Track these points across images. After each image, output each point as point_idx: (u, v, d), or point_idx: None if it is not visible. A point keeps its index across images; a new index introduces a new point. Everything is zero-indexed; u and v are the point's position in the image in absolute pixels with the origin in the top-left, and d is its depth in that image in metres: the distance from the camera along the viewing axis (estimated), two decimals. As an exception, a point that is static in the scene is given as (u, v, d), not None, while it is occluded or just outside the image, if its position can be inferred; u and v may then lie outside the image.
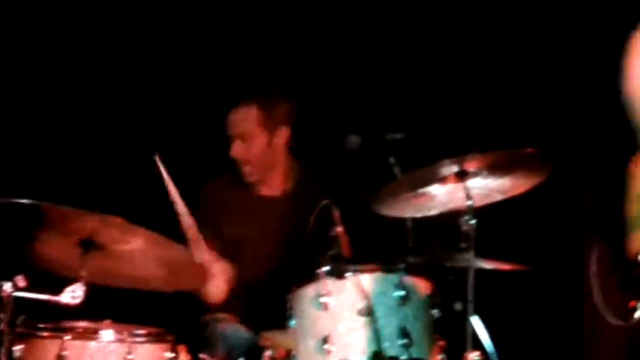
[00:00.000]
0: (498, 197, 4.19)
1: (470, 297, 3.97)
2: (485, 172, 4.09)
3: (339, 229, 3.97)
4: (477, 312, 3.99)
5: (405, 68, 5.39)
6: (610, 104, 3.03)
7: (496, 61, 5.29)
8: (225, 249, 4.67)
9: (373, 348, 3.76)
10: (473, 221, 4.02)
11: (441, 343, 3.93)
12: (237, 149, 4.69)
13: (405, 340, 3.78)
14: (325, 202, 3.99)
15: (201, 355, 4.02)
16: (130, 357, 3.74)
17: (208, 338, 4.48)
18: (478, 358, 3.94)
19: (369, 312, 3.78)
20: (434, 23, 5.39)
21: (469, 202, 4.03)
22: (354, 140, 4.30)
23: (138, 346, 3.80)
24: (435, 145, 4.40)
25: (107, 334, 3.79)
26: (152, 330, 3.90)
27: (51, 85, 5.39)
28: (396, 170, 4.23)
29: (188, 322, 4.46)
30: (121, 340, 3.78)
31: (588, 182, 4.50)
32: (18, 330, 3.74)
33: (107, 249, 3.82)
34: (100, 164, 5.43)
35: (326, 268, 3.86)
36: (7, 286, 3.61)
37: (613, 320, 2.99)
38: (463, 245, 4.03)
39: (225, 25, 5.53)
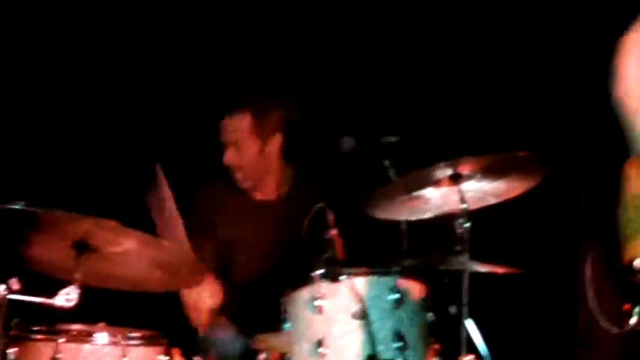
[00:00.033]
0: (492, 200, 4.19)
1: (464, 300, 3.98)
2: (479, 175, 4.09)
3: (334, 232, 3.96)
4: (471, 315, 4.00)
5: (400, 71, 5.40)
6: (603, 105, 3.03)
7: (490, 64, 5.29)
8: (220, 254, 4.68)
9: (368, 351, 3.76)
10: (467, 224, 4.03)
11: (436, 346, 3.93)
12: (229, 156, 4.68)
13: (399, 344, 3.78)
14: (319, 205, 3.99)
15: (195, 358, 4.02)
16: None
17: (202, 342, 4.47)
18: (472, 361, 3.98)
19: (363, 315, 3.78)
20: (429, 27, 5.39)
21: (463, 205, 4.04)
22: (348, 142, 4.29)
23: (132, 348, 3.79)
24: (430, 148, 4.40)
25: (101, 337, 3.79)
26: (146, 333, 3.90)
27: (43, 89, 5.39)
28: (391, 173, 4.21)
29: (182, 325, 4.45)
30: (115, 343, 3.78)
31: (582, 184, 4.50)
32: (12, 333, 3.73)
33: (101, 251, 3.81)
34: (93, 167, 5.43)
35: (320, 271, 3.85)
36: (1, 289, 3.58)
37: (608, 326, 2.99)
38: (457, 248, 4.03)
39: (219, 29, 5.53)
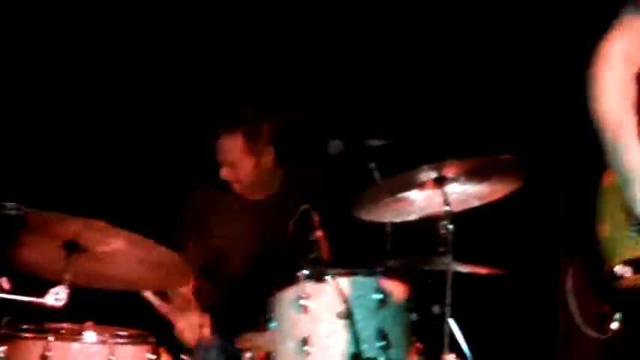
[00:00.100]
0: (476, 203, 4.22)
1: (447, 300, 4.00)
2: (463, 178, 4.11)
3: (319, 233, 3.98)
4: (454, 315, 4.02)
5: (385, 76, 5.40)
6: (585, 110, 3.03)
7: (474, 69, 5.30)
8: (211, 254, 4.70)
9: (352, 350, 3.76)
10: (451, 226, 4.05)
11: (419, 345, 3.93)
12: (226, 173, 4.69)
13: (383, 343, 3.78)
14: (305, 206, 4.01)
15: (182, 357, 4.03)
16: (111, 358, 3.73)
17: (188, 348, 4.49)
18: (455, 360, 3.99)
19: (347, 315, 3.78)
20: (414, 33, 5.39)
21: (447, 208, 4.06)
22: (335, 145, 4.30)
23: (120, 347, 3.79)
24: (414, 151, 4.38)
25: (90, 336, 3.78)
26: (134, 332, 3.90)
27: (33, 89, 5.36)
28: (376, 175, 4.23)
29: (169, 325, 4.45)
30: (103, 342, 3.77)
31: (563, 188, 4.52)
32: (2, 331, 3.73)
33: (91, 251, 3.82)
34: (83, 168, 5.41)
35: (306, 272, 3.86)
36: (-8, 288, 3.60)
37: (590, 332, 2.99)
38: (441, 249, 4.05)
39: (210, 31, 5.53)
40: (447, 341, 3.97)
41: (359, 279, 3.89)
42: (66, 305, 3.63)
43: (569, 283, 2.98)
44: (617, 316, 2.80)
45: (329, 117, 5.25)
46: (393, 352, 3.80)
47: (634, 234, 2.75)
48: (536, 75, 5.09)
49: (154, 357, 3.85)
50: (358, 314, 3.80)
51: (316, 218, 3.99)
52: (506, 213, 4.53)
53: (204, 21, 5.52)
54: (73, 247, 3.78)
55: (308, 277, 3.85)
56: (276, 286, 3.92)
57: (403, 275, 3.98)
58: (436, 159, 4.03)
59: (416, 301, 3.97)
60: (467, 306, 4.04)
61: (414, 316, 3.93)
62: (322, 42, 5.48)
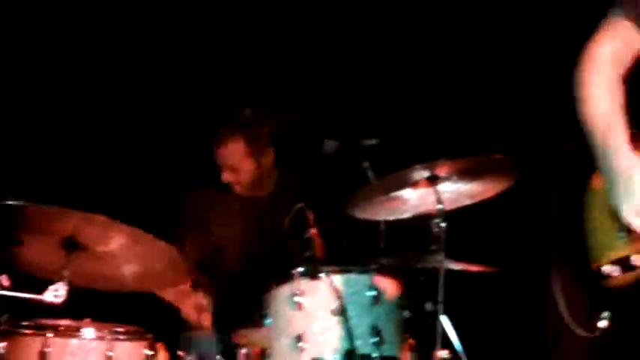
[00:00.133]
0: (468, 201, 4.25)
1: (440, 297, 4.04)
2: (455, 177, 4.15)
3: (314, 231, 4.00)
4: (446, 312, 4.05)
5: (379, 77, 5.40)
6: (576, 112, 3.03)
7: (465, 71, 5.30)
8: (210, 251, 4.72)
9: (346, 346, 3.77)
10: (443, 224, 4.09)
11: (412, 341, 3.95)
12: (227, 177, 4.71)
13: (376, 339, 3.80)
14: (300, 205, 4.02)
15: (179, 353, 4.03)
16: (109, 354, 3.75)
17: (187, 337, 4.52)
18: (447, 356, 4.00)
19: (341, 311, 3.80)
20: (408, 35, 5.39)
21: (440, 206, 4.10)
22: (330, 145, 4.33)
23: (117, 343, 3.80)
24: (408, 150, 4.42)
25: (88, 332, 3.79)
26: (131, 328, 3.90)
27: (29, 83, 5.34)
28: (370, 174, 4.26)
29: (166, 321, 4.48)
30: (101, 338, 3.78)
31: (554, 188, 4.53)
32: (1, 328, 3.74)
33: (90, 249, 3.83)
34: (82, 163, 5.39)
35: (300, 269, 3.88)
36: (-8, 286, 3.62)
37: (579, 331, 3.00)
38: (434, 247, 4.09)
39: (204, 30, 5.52)
40: (439, 338, 4.01)
41: (353, 276, 3.90)
42: (65, 302, 3.64)
43: (557, 283, 2.99)
44: (606, 314, 2.78)
45: (324, 117, 5.25)
46: (386, 348, 3.82)
47: (622, 234, 2.76)
48: (527, 76, 5.09)
49: (151, 353, 3.86)
50: (352, 311, 3.81)
51: (311, 216, 4.01)
52: (498, 211, 4.56)
53: (198, 23, 5.51)
54: (72, 245, 3.78)
55: (303, 275, 3.87)
56: (271, 282, 3.94)
57: (396, 272, 4.00)
58: (429, 158, 4.05)
59: (409, 299, 3.98)
60: (459, 303, 4.07)
61: (407, 313, 3.94)
62: (317, 44, 5.48)
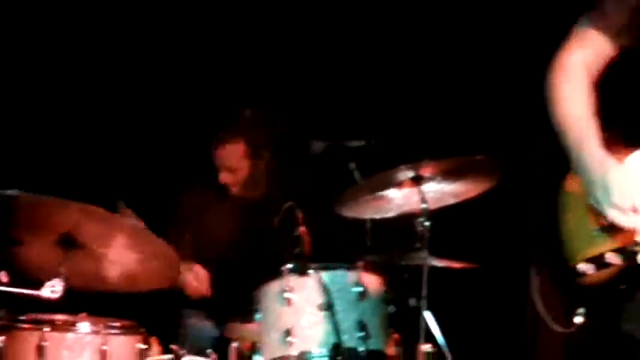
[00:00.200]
0: (451, 200, 4.29)
1: (423, 293, 4.07)
2: (439, 177, 4.19)
3: (302, 229, 4.04)
4: (429, 307, 4.09)
5: (364, 80, 5.40)
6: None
7: (450, 74, 5.30)
8: (201, 248, 4.74)
9: (333, 340, 3.81)
10: (427, 223, 4.13)
11: (396, 336, 3.98)
12: (224, 178, 4.72)
13: (362, 333, 3.84)
14: (289, 203, 4.06)
15: (172, 346, 4.03)
16: (104, 348, 3.77)
17: (179, 330, 4.54)
18: (430, 350, 4.05)
19: (329, 307, 3.84)
20: (392, 38, 5.39)
21: (424, 205, 4.14)
22: (317, 146, 4.36)
23: (112, 337, 3.82)
24: (393, 151, 4.40)
25: (84, 326, 3.81)
26: (125, 322, 3.93)
27: (28, 82, 5.32)
28: (356, 175, 4.30)
29: (161, 315, 4.46)
30: (96, 332, 3.80)
31: (534, 188, 4.54)
32: (0, 323, 3.76)
33: (88, 247, 3.85)
34: (81, 162, 5.38)
35: (289, 266, 3.91)
36: (-10, 281, 3.64)
37: (555, 327, 3.02)
38: (418, 245, 4.13)
39: (196, 31, 5.53)
40: (422, 332, 4.04)
41: (340, 273, 3.93)
42: (61, 297, 3.66)
43: (535, 280, 3.02)
44: (581, 311, 2.80)
45: (311, 119, 5.24)
46: (371, 342, 3.85)
47: (596, 233, 2.78)
48: (508, 78, 5.06)
49: (144, 347, 3.88)
50: (339, 306, 3.85)
51: (300, 215, 4.04)
52: (480, 211, 4.58)
53: (191, 25, 5.51)
54: (69, 243, 3.81)
55: (292, 271, 3.90)
56: (260, 280, 3.97)
57: (381, 269, 4.02)
58: (413, 159, 4.09)
59: (393, 294, 4.01)
60: (442, 299, 4.11)
61: (391, 308, 3.98)
62: (305, 47, 5.47)
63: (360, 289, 3.90)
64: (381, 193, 4.23)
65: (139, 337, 3.89)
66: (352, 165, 4.31)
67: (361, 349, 3.83)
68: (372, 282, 3.96)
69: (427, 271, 4.08)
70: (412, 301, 4.10)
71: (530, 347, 4.83)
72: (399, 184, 4.19)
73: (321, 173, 4.60)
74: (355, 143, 4.36)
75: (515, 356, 5.01)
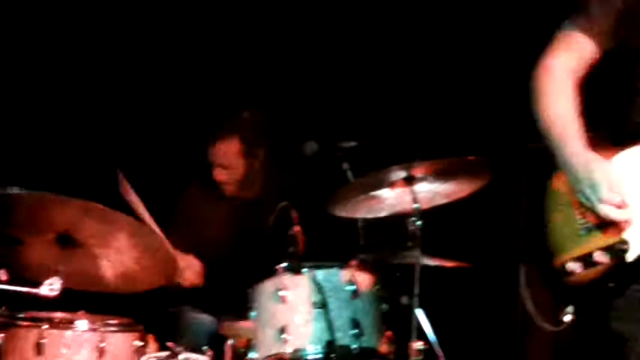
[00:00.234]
0: (443, 200, 4.30)
1: (415, 291, 4.09)
2: (431, 178, 4.20)
3: (297, 228, 4.03)
4: (421, 305, 4.11)
5: (357, 82, 5.42)
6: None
7: (440, 75, 5.32)
8: (197, 245, 4.74)
9: (326, 337, 3.83)
10: (419, 222, 4.14)
11: (389, 333, 3.99)
12: (219, 175, 4.73)
13: (355, 331, 3.85)
14: (283, 203, 4.07)
15: (168, 344, 4.04)
16: (102, 345, 3.81)
17: (175, 328, 4.55)
18: (422, 347, 4.06)
19: (322, 305, 3.85)
20: (383, 41, 5.40)
21: (416, 205, 4.15)
22: (311, 147, 4.38)
23: (110, 334, 3.86)
24: (385, 152, 4.46)
25: (82, 324, 3.85)
26: (123, 320, 3.96)
27: (26, 81, 5.33)
28: (349, 175, 4.32)
29: (157, 312, 4.50)
30: (94, 330, 3.84)
31: (523, 188, 4.54)
32: (-1, 320, 3.79)
33: (86, 246, 3.87)
34: (79, 161, 5.39)
35: (284, 265, 3.93)
36: (-10, 279, 3.65)
37: (545, 326, 3.02)
38: (410, 244, 4.14)
39: (189, 33, 5.54)
40: (414, 330, 4.06)
41: (333, 271, 3.95)
42: (59, 295, 3.67)
43: (523, 280, 3.02)
44: (569, 309, 2.81)
45: (304, 120, 5.26)
46: (365, 339, 3.87)
47: (584, 232, 2.80)
48: (498, 80, 5.06)
49: (141, 344, 3.92)
50: (332, 304, 3.86)
51: (294, 215, 4.05)
52: (472, 210, 4.59)
53: (184, 26, 5.53)
54: (67, 242, 3.83)
55: (286, 270, 3.92)
56: (257, 277, 3.98)
57: (374, 268, 4.03)
58: (406, 160, 4.11)
59: (386, 293, 4.03)
60: (434, 297, 4.13)
61: (384, 307, 3.99)
62: (297, 50, 5.48)
63: (354, 287, 3.92)
64: (373, 193, 4.25)
65: (136, 335, 3.93)
66: (345, 165, 4.32)
67: (354, 346, 3.84)
68: (365, 280, 3.97)
69: (419, 270, 4.10)
70: (404, 300, 4.12)
71: (519, 345, 4.84)
72: (391, 185, 4.21)
73: (314, 174, 4.60)
74: (348, 144, 4.37)
75: (505, 353, 5.03)
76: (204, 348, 4.05)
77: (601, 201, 2.73)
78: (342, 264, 3.99)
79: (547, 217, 2.90)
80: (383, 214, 4.32)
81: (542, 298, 2.98)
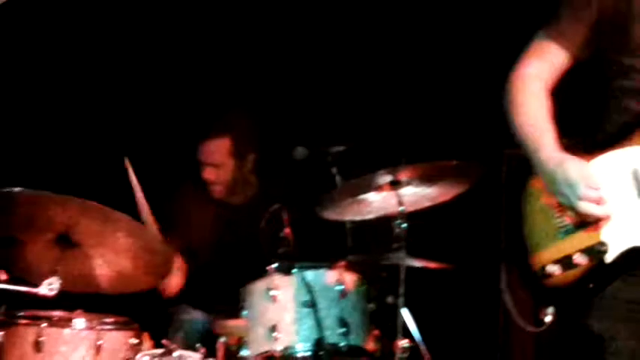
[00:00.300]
0: (427, 203, 4.34)
1: (401, 291, 4.14)
2: (416, 182, 4.25)
3: (287, 230, 4.09)
4: (407, 305, 4.15)
5: (345, 88, 5.42)
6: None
7: (427, 81, 5.32)
8: (189, 246, 4.78)
9: (316, 336, 3.88)
10: (404, 225, 4.19)
11: (375, 331, 4.04)
12: (209, 175, 4.73)
13: (343, 329, 3.91)
14: (275, 206, 4.11)
15: (163, 341, 4.08)
16: (99, 343, 3.85)
17: (170, 326, 4.57)
18: (407, 345, 4.10)
19: (312, 304, 3.91)
20: (370, 49, 5.41)
21: (401, 208, 4.20)
22: (300, 152, 4.41)
23: (106, 333, 3.90)
24: (372, 157, 4.49)
25: (79, 323, 3.89)
26: (119, 319, 4.00)
27: (25, 80, 5.31)
28: (338, 179, 4.37)
29: (152, 311, 4.48)
30: (91, 328, 3.88)
31: (504, 191, 4.57)
32: (-1, 319, 3.82)
33: (84, 247, 3.91)
34: (78, 160, 5.38)
35: (275, 265, 3.99)
36: (-10, 279, 3.68)
37: (526, 327, 3.05)
38: (395, 246, 4.19)
39: (182, 37, 5.53)
40: (400, 328, 4.10)
41: (322, 272, 4.00)
42: (57, 295, 3.71)
43: (504, 282, 3.05)
44: (550, 310, 2.82)
45: (294, 125, 5.27)
46: (352, 337, 3.92)
47: (562, 233, 2.83)
48: (480, 86, 5.08)
49: (137, 341, 3.96)
50: (321, 304, 3.92)
51: (285, 217, 4.10)
52: (455, 213, 4.62)
53: (176, 28, 5.52)
54: (66, 242, 3.86)
55: (277, 271, 3.98)
56: (248, 277, 4.02)
57: (360, 268, 4.08)
58: (392, 164, 4.15)
59: (373, 292, 4.07)
60: (418, 297, 4.18)
61: (371, 306, 4.04)
62: (285, 55, 5.48)
63: (342, 287, 3.97)
64: (360, 196, 4.29)
65: (131, 333, 3.97)
66: (334, 170, 4.36)
67: (342, 344, 3.89)
68: (353, 281, 4.03)
69: (404, 271, 4.14)
70: (390, 299, 4.16)
71: (501, 344, 4.86)
72: (378, 188, 4.25)
73: (303, 178, 4.63)
74: (336, 149, 4.40)
75: (487, 352, 5.05)
76: (198, 345, 4.08)
77: (580, 198, 2.75)
78: (331, 265, 4.04)
79: (526, 219, 2.92)
80: (370, 216, 4.36)
81: (523, 299, 3.01)
